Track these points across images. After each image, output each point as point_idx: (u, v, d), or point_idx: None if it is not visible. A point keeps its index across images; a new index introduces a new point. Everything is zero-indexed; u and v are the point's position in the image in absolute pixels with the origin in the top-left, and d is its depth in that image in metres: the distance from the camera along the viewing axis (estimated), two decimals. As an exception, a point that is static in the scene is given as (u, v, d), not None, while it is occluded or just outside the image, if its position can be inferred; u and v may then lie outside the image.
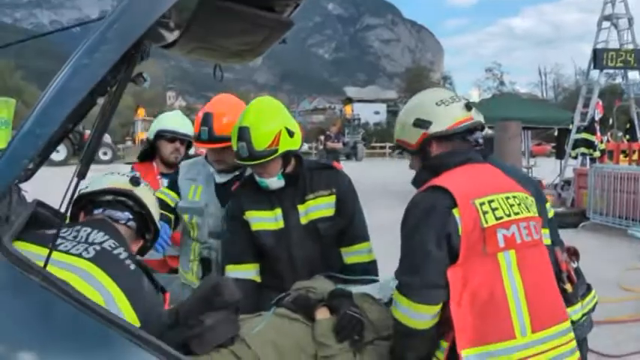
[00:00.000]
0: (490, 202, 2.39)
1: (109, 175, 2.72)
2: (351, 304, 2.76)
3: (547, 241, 2.89)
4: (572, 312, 2.93)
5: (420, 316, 2.35)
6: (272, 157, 3.19)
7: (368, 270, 3.50)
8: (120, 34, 1.76)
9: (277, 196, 3.38)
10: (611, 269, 9.29)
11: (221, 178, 3.78)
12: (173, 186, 3.91)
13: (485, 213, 2.35)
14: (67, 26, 2.57)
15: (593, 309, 3.19)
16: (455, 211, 2.34)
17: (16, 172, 1.81)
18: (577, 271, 3.14)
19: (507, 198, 2.45)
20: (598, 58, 14.66)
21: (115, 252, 2.26)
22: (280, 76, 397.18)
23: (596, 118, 15.24)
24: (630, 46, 15.06)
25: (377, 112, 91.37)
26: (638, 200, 12.13)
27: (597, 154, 14.93)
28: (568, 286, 2.98)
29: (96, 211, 2.51)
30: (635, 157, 15.72)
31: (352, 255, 3.53)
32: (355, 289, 3.00)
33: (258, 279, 3.46)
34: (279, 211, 3.38)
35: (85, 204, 2.56)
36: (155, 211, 2.72)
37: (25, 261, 1.76)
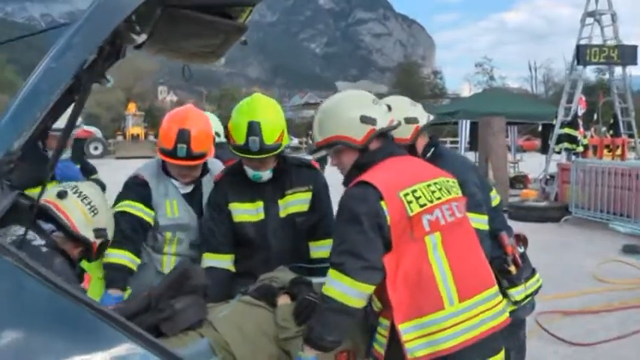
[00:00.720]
0: (413, 192, 2.57)
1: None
2: (309, 291, 2.96)
3: (483, 226, 3.18)
4: (516, 292, 3.27)
5: (359, 294, 2.50)
6: (278, 151, 3.39)
7: None
8: (83, 41, 1.94)
9: (259, 190, 3.55)
10: (590, 262, 9.51)
11: (186, 189, 3.86)
12: (147, 200, 3.76)
13: (409, 203, 2.53)
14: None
15: (536, 291, 3.46)
16: (382, 204, 2.51)
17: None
18: (523, 255, 3.42)
19: (429, 185, 2.64)
20: (581, 53, 14.82)
21: (30, 238, 2.57)
22: (272, 71, 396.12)
23: (579, 114, 15.39)
24: (613, 42, 15.21)
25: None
26: (619, 194, 12.29)
27: (580, 149, 15.11)
28: (512, 269, 3.29)
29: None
30: (618, 152, 15.92)
31: (319, 249, 3.68)
32: (316, 280, 3.15)
33: (232, 269, 3.61)
34: (260, 204, 3.55)
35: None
36: (83, 220, 2.94)
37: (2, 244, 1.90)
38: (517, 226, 12.37)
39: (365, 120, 2.72)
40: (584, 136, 15.74)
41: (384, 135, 2.81)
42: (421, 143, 3.39)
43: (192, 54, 2.86)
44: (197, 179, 3.85)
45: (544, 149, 18.08)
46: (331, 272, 2.56)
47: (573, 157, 14.96)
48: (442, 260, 2.53)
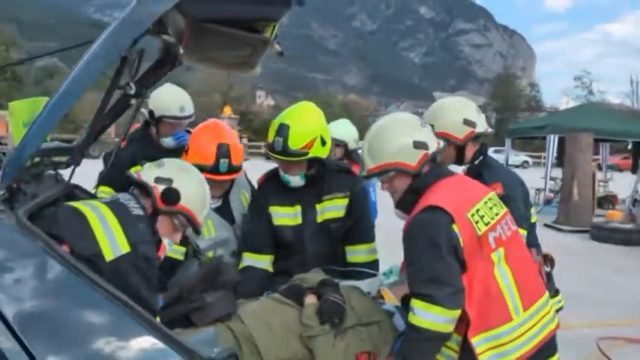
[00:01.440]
0: (477, 211, 2.65)
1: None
2: (334, 292, 3.05)
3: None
4: None
5: (451, 320, 2.54)
6: (301, 158, 3.42)
7: (368, 268, 3.67)
8: (106, 53, 2.22)
9: (298, 194, 3.62)
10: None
11: (216, 204, 3.83)
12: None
13: (477, 222, 2.61)
14: (66, 47, 3.04)
15: (557, 311, 3.35)
16: (454, 227, 2.56)
17: (21, 163, 2.34)
18: (549, 275, 3.44)
19: (486, 202, 2.72)
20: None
21: (124, 202, 2.66)
22: (369, 79, 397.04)
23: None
24: None
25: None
26: None
27: (673, 169, 14.44)
28: None
29: None
30: None
31: (354, 254, 3.73)
32: (349, 283, 3.30)
33: (270, 269, 3.69)
34: (298, 208, 3.64)
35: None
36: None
37: (33, 229, 2.09)
38: (600, 248, 12.01)
39: (418, 145, 2.76)
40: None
41: (433, 158, 2.83)
42: (471, 149, 3.43)
43: (227, 64, 3.00)
44: (226, 191, 3.89)
45: (634, 168, 17.38)
46: (417, 303, 2.58)
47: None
48: (507, 273, 2.64)
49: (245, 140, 46.68)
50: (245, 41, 2.57)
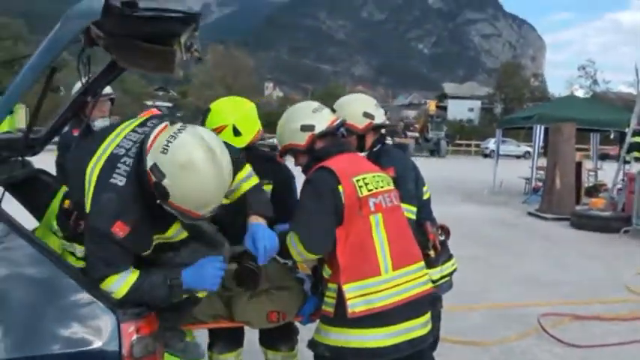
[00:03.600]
0: (363, 179, 3.22)
1: None
2: (250, 259, 3.38)
3: (412, 215, 3.77)
4: (433, 272, 3.89)
5: (305, 258, 3.28)
6: None
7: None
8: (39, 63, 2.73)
9: None
10: (628, 273, 9.49)
11: None
12: None
13: (360, 187, 3.17)
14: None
15: (451, 273, 4.09)
16: (339, 187, 3.13)
17: None
18: (443, 243, 4.07)
19: (374, 176, 3.29)
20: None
21: (119, 163, 2.76)
22: (378, 70, 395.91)
23: (653, 122, 14.97)
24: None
25: (471, 109, 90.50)
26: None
27: (651, 158, 14.73)
28: (431, 253, 3.93)
29: None
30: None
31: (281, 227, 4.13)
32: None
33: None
34: None
35: None
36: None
37: None
38: (577, 235, 12.40)
39: (304, 128, 3.38)
40: (656, 145, 15.26)
41: (329, 135, 3.42)
42: (370, 138, 3.98)
43: (150, 68, 3.46)
44: None
45: (619, 158, 17.65)
46: (291, 234, 3.24)
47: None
48: (382, 236, 3.16)
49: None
50: (156, 51, 3.11)
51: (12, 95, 2.69)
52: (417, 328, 3.18)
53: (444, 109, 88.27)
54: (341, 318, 3.09)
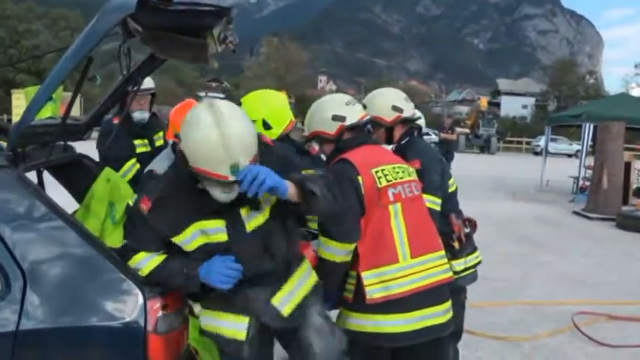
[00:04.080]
0: (382, 170, 3.30)
1: None
2: None
3: (437, 207, 3.83)
4: (456, 264, 3.97)
5: (342, 252, 3.20)
6: None
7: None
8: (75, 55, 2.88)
9: None
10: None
11: None
12: None
13: (379, 178, 3.26)
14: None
15: (475, 265, 4.14)
16: (359, 178, 3.22)
17: (20, 133, 2.98)
18: (468, 235, 4.11)
19: (394, 167, 3.37)
20: None
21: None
22: (432, 65, 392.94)
23: None
24: None
25: (525, 106, 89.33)
26: None
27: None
28: (455, 244, 4.00)
29: None
30: None
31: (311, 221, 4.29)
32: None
33: None
34: None
35: None
36: None
37: (27, 180, 2.86)
38: (623, 235, 12.20)
39: (335, 118, 3.47)
40: None
41: (357, 128, 3.52)
42: (399, 131, 4.05)
43: (185, 58, 3.67)
44: None
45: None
46: (321, 238, 3.26)
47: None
48: (401, 225, 3.24)
49: (299, 124, 47.36)
50: (190, 43, 3.31)
51: (51, 83, 2.87)
52: (435, 315, 3.23)
53: (497, 105, 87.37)
54: (359, 304, 3.19)
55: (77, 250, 2.75)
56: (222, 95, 51.33)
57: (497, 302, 7.46)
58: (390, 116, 3.97)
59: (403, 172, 3.39)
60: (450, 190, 4.13)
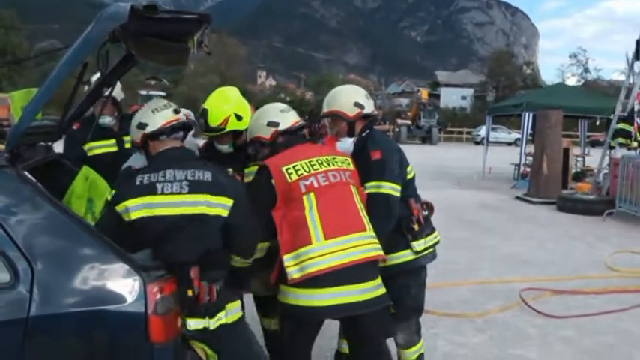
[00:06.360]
0: (294, 166, 3.70)
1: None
2: None
3: (396, 193, 4.16)
4: (417, 244, 4.27)
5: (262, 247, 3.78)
6: (221, 133, 4.25)
7: None
8: (71, 60, 3.12)
9: (229, 159, 4.31)
10: (607, 252, 9.94)
11: None
12: None
13: (289, 174, 3.66)
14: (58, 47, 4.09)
15: (434, 245, 4.43)
16: (272, 181, 3.66)
17: (19, 135, 3.20)
18: (426, 217, 4.41)
19: (310, 161, 3.75)
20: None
21: None
22: (371, 58, 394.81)
23: (636, 109, 15.32)
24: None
25: (464, 97, 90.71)
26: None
27: (634, 144, 15.05)
28: (415, 226, 4.28)
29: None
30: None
31: None
32: None
33: None
34: (230, 171, 4.21)
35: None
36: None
37: (27, 178, 3.14)
38: (562, 217, 12.75)
39: (270, 124, 3.96)
40: (639, 132, 15.61)
41: (290, 133, 3.98)
42: (360, 125, 4.32)
43: (164, 61, 3.88)
44: None
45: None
46: None
47: (623, 152, 14.92)
48: (314, 211, 3.61)
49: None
50: (173, 48, 3.61)
51: (49, 87, 3.08)
52: (361, 292, 3.56)
53: (437, 96, 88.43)
54: (284, 280, 3.59)
55: (79, 240, 2.98)
56: (162, 93, 50.88)
57: (451, 282, 7.88)
58: (352, 112, 4.27)
59: (320, 163, 3.77)
60: (409, 177, 4.43)
